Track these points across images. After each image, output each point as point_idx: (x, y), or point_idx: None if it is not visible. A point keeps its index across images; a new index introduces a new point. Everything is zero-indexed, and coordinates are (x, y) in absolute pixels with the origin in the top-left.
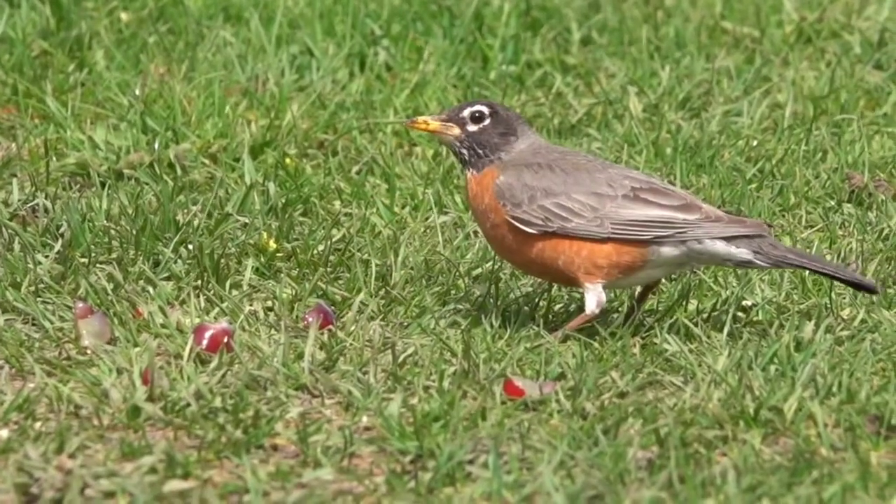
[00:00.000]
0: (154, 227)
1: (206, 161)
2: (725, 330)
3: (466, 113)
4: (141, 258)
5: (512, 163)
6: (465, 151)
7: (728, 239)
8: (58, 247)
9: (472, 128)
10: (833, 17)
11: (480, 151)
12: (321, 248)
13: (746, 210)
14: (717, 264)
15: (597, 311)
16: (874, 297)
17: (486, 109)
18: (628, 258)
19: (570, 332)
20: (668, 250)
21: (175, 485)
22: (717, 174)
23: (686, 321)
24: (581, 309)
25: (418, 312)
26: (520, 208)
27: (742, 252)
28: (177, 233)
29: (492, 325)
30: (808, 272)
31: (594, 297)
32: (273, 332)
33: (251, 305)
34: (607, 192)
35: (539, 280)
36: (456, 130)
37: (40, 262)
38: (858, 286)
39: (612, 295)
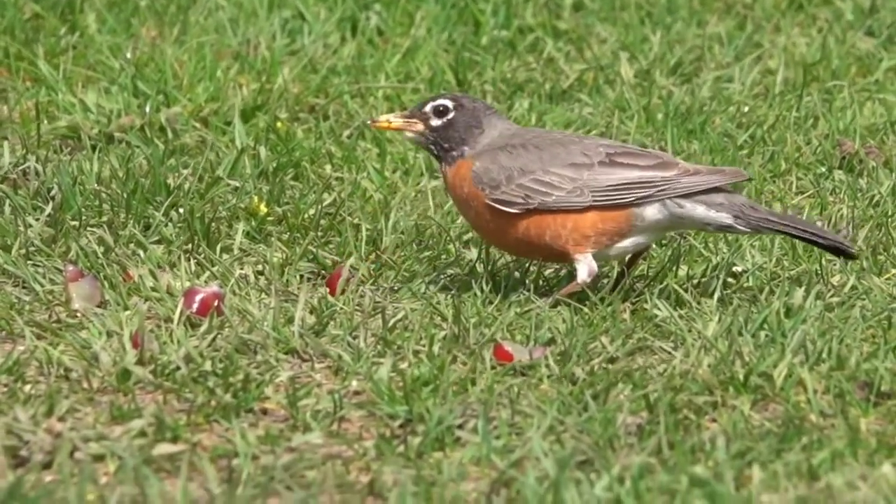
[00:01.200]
0: (145, 191)
1: (197, 125)
2: (715, 296)
3: (429, 108)
4: (132, 221)
5: (485, 150)
6: (432, 147)
7: (709, 204)
8: (48, 210)
9: (435, 122)
10: None
11: (446, 146)
12: (312, 212)
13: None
14: (698, 229)
15: (588, 280)
16: (853, 262)
17: (449, 103)
18: (613, 224)
19: (561, 299)
20: (651, 213)
21: (164, 448)
22: (708, 140)
23: (676, 287)
24: (573, 277)
25: (409, 277)
26: (498, 190)
27: (722, 216)
28: (168, 196)
29: (482, 290)
30: (789, 237)
31: (585, 266)
32: (263, 295)
33: (241, 269)
34: (583, 161)
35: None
36: (419, 126)
37: (31, 225)
38: (838, 251)
39: (603, 261)
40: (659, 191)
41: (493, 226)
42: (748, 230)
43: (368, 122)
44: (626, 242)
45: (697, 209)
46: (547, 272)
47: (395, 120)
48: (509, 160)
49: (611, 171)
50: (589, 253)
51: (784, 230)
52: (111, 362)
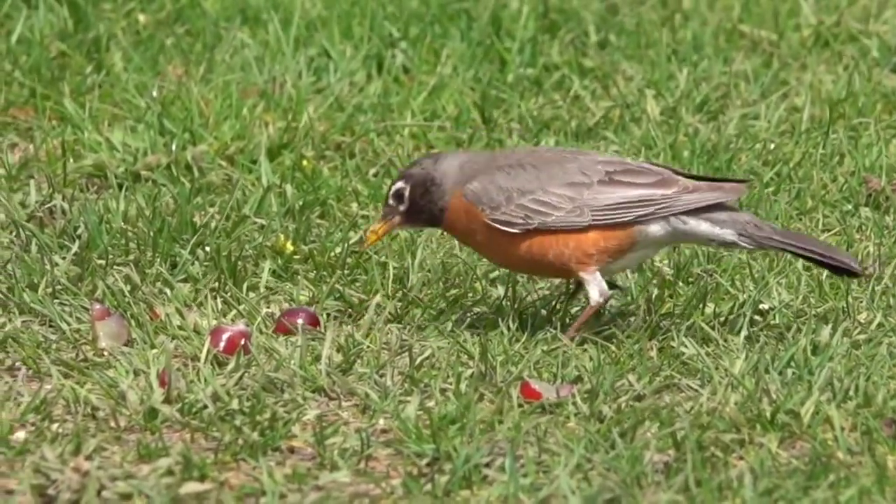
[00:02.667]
0: (171, 229)
1: (224, 163)
2: (742, 333)
3: (391, 199)
4: (158, 260)
5: (467, 174)
6: (421, 224)
7: (712, 221)
8: (75, 248)
9: (403, 207)
10: (850, 22)
11: (425, 216)
12: (338, 250)
13: (763, 214)
14: (702, 244)
15: (601, 300)
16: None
17: (400, 184)
18: (616, 242)
19: (583, 332)
20: (654, 229)
21: (191, 487)
22: (734, 177)
23: (703, 324)
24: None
25: (435, 315)
26: (498, 210)
27: (726, 233)
28: (194, 234)
29: (509, 328)
30: (792, 255)
31: (595, 287)
32: (290, 334)
33: (268, 307)
34: (582, 180)
35: (556, 281)
36: (396, 218)
37: (57, 264)
38: (843, 271)
39: (629, 298)
40: (659, 208)
41: (496, 246)
42: (752, 247)
43: (361, 247)
44: (630, 258)
45: (701, 226)
46: (574, 310)
47: (379, 226)
48: (507, 181)
49: (611, 189)
50: (596, 272)
51: (788, 249)
52: (138, 401)
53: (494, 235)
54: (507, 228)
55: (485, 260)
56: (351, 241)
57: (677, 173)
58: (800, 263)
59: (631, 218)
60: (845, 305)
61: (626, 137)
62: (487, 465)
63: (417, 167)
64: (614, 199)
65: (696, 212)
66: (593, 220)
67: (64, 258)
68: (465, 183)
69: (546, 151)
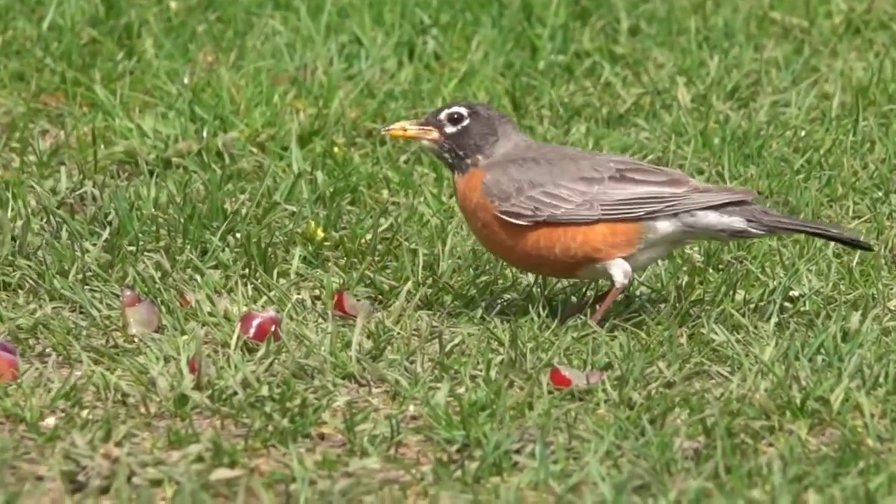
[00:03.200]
0: (202, 216)
1: (254, 149)
2: (772, 320)
3: (444, 115)
4: (188, 246)
5: (497, 162)
6: (446, 155)
7: (720, 209)
8: (105, 235)
9: (450, 129)
10: (882, 8)
11: (461, 153)
12: (369, 236)
13: (794, 201)
14: (711, 237)
15: (625, 281)
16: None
17: (464, 111)
18: (624, 237)
19: (608, 310)
20: (662, 225)
21: (221, 473)
22: (764, 164)
23: (733, 311)
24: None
25: (466, 302)
26: (508, 202)
27: (735, 221)
28: (224, 221)
29: (539, 315)
30: (802, 234)
31: (619, 269)
32: (320, 320)
33: (298, 294)
34: (593, 175)
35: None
36: (434, 134)
37: (88, 250)
38: (853, 244)
39: (660, 285)
40: (668, 206)
41: (501, 238)
42: (762, 232)
43: (383, 130)
44: (638, 258)
45: (709, 216)
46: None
47: (410, 128)
48: (519, 172)
49: (621, 185)
50: (618, 256)
51: (798, 229)
52: (168, 387)
53: (502, 228)
54: (515, 220)
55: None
56: (381, 229)
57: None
58: (830, 250)
59: (641, 213)
60: (875, 292)
61: (656, 124)
62: (517, 452)
63: (485, 108)
64: (625, 195)
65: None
66: (602, 214)
67: (94, 245)
68: (486, 169)
69: (570, 149)
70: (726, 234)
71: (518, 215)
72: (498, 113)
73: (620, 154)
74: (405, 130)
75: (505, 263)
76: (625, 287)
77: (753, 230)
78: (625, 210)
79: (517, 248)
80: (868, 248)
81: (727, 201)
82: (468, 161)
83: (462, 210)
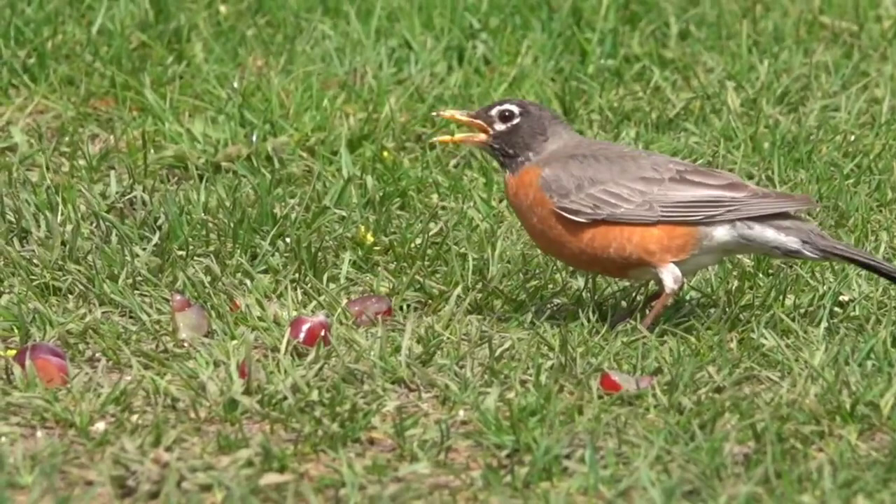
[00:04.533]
0: (251, 220)
1: (304, 154)
2: (822, 325)
3: (495, 111)
4: (238, 251)
5: (552, 158)
6: (496, 153)
7: (777, 228)
8: (155, 239)
9: (500, 127)
10: None
11: (511, 151)
12: (418, 241)
13: (844, 205)
14: (765, 252)
15: (676, 287)
16: None
17: (515, 108)
18: (680, 241)
19: (659, 315)
20: (719, 233)
21: (271, 478)
22: (814, 169)
23: (783, 316)
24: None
25: (515, 306)
26: (567, 198)
27: (791, 241)
28: (274, 226)
29: (589, 320)
30: (855, 265)
31: (670, 274)
32: (370, 325)
33: (348, 298)
34: (654, 175)
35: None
36: (481, 137)
37: (138, 255)
38: None
39: (710, 290)
40: (728, 210)
41: (556, 233)
42: (815, 256)
43: (433, 139)
44: (690, 262)
45: (767, 231)
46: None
47: (461, 116)
48: (580, 169)
49: (681, 187)
50: (671, 261)
51: (852, 257)
52: (218, 392)
53: (558, 223)
54: (573, 217)
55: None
56: (431, 233)
57: None
58: (880, 254)
59: (700, 217)
60: None
61: (706, 129)
62: (567, 457)
63: (537, 107)
64: (685, 197)
65: (761, 218)
66: (662, 215)
67: (144, 249)
68: (543, 164)
69: (623, 147)
70: (780, 251)
71: (577, 212)
72: (550, 112)
73: (677, 157)
74: (454, 117)
75: (555, 264)
76: (675, 293)
77: (807, 252)
78: (684, 212)
79: (571, 244)
80: None
81: (786, 210)
82: (519, 159)
83: (515, 207)
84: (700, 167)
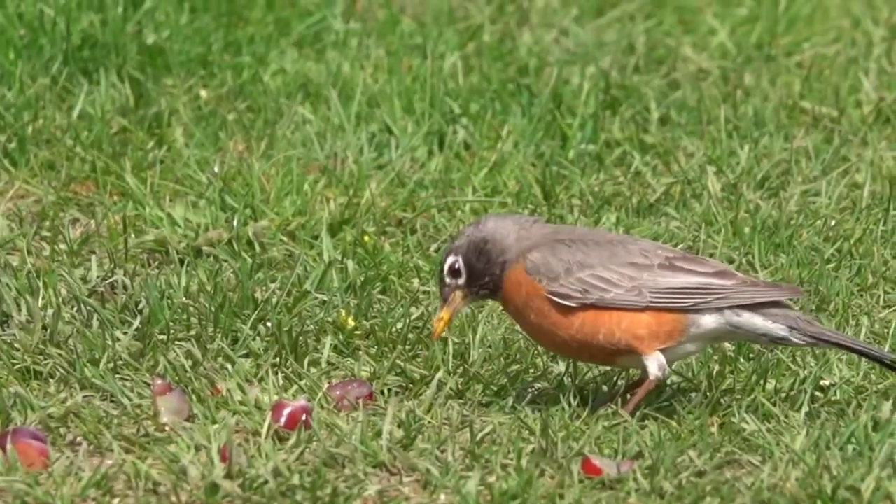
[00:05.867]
0: (233, 305)
1: (285, 238)
2: (803, 409)
3: (447, 278)
4: (219, 335)
5: (533, 246)
6: (483, 293)
7: (765, 315)
8: (136, 323)
9: (461, 280)
10: None
11: (484, 281)
12: (399, 325)
13: (825, 290)
14: (752, 340)
15: (660, 374)
16: None
17: (452, 259)
18: (668, 328)
19: (641, 402)
20: (707, 320)
21: None
22: (795, 254)
23: (764, 400)
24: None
25: (496, 391)
26: (556, 282)
27: (778, 328)
28: (255, 310)
29: (570, 404)
30: (841, 350)
31: (655, 361)
32: (351, 409)
33: (329, 383)
34: (643, 261)
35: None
36: (459, 294)
37: (119, 339)
38: (893, 367)
39: (691, 374)
40: (717, 298)
41: (549, 321)
42: (803, 342)
43: (433, 338)
44: (678, 350)
45: (755, 318)
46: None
47: (444, 313)
48: (568, 253)
49: (671, 274)
50: (658, 348)
51: (840, 343)
52: (199, 476)
53: (548, 309)
54: (563, 301)
55: None
56: (412, 318)
57: None
58: (861, 339)
59: (689, 304)
60: None
61: (686, 214)
62: None
63: (460, 238)
64: (675, 284)
65: (749, 306)
66: (651, 301)
67: (125, 333)
68: (526, 253)
69: (608, 232)
70: (767, 338)
71: (566, 296)
72: (472, 227)
73: (663, 243)
74: (442, 320)
75: (536, 349)
76: (659, 380)
77: (795, 339)
78: (673, 299)
79: (561, 331)
80: None
81: (774, 299)
82: (495, 276)
83: (510, 308)
84: (688, 254)
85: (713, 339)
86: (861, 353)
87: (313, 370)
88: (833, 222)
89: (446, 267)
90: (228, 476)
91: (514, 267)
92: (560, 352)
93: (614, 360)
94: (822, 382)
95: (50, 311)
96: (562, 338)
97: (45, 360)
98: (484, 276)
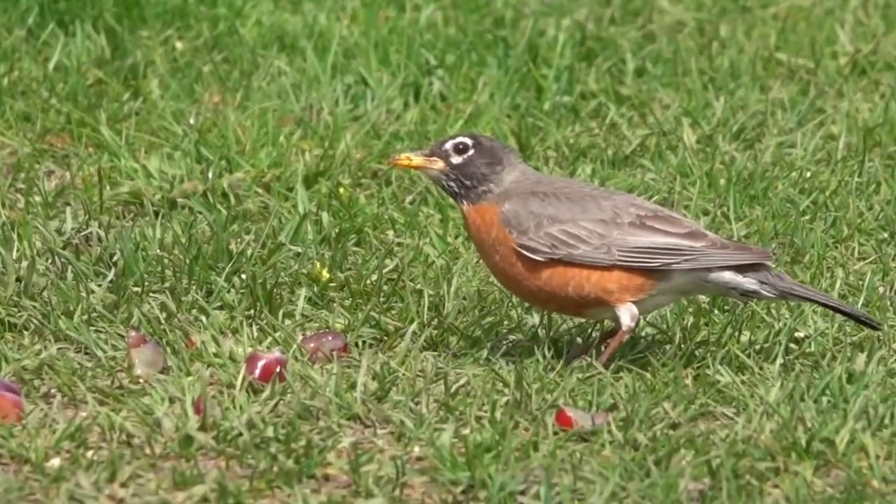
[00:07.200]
0: (207, 257)
1: (260, 190)
2: (778, 361)
3: (449, 145)
4: (194, 287)
5: (513, 192)
6: (452, 184)
7: (735, 268)
8: (111, 276)
9: (456, 160)
10: (887, 50)
11: (468, 183)
12: (374, 277)
13: (800, 242)
14: (723, 294)
15: (632, 324)
16: (878, 334)
17: (469, 141)
18: (638, 282)
19: (614, 353)
20: (676, 277)
21: None
22: (770, 206)
23: (739, 352)
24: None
25: (471, 343)
26: (526, 235)
27: (749, 282)
28: (230, 262)
29: (544, 356)
30: (812, 304)
31: (627, 311)
32: (325, 362)
33: (304, 335)
34: (613, 219)
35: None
36: (440, 164)
37: (93, 291)
38: (862, 322)
39: (665, 326)
40: (686, 260)
41: (516, 271)
42: (773, 296)
43: (388, 161)
44: (649, 302)
45: (725, 274)
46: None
47: (417, 158)
48: (540, 207)
49: (640, 233)
50: (629, 300)
51: (810, 298)
52: (173, 428)
53: (517, 261)
54: (531, 255)
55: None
56: (387, 270)
57: None
58: (835, 292)
59: (657, 264)
60: (881, 334)
61: (662, 165)
62: (522, 493)
63: (488, 139)
64: (643, 244)
65: None
66: (619, 259)
67: (100, 285)
68: (504, 200)
69: (585, 185)
70: (737, 292)
71: (535, 250)
72: (500, 143)
73: (630, 193)
74: (410, 160)
75: (511, 301)
76: (632, 330)
77: (765, 293)
78: (641, 258)
79: (529, 281)
80: (877, 328)
81: (744, 262)
82: (479, 190)
83: (477, 242)
84: (661, 212)
85: (684, 293)
86: (831, 308)
87: (288, 322)
88: (808, 174)
89: (457, 139)
90: (202, 428)
91: (492, 204)
92: (526, 300)
93: (583, 312)
94: (796, 335)
95: (24, 263)
96: (529, 287)
97: (20, 312)
98: (470, 179)
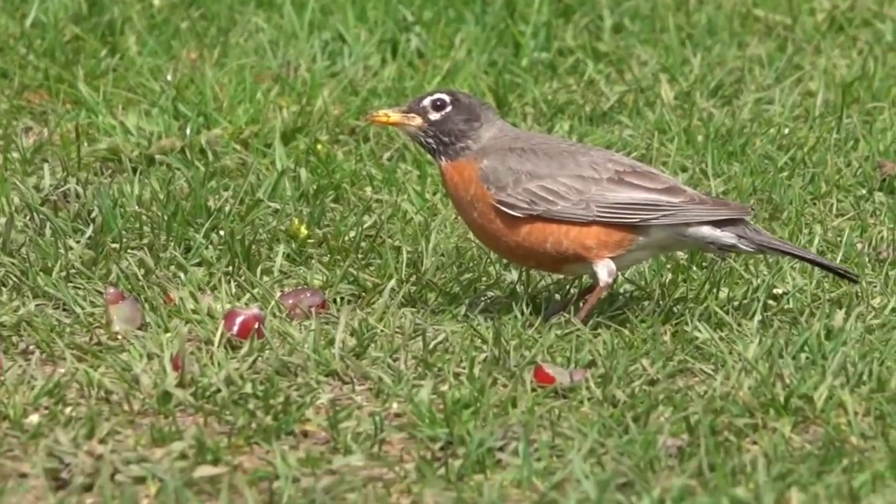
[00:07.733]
0: (185, 213)
1: (238, 147)
2: (756, 318)
3: (427, 102)
4: (172, 244)
5: (491, 148)
6: (430, 141)
7: (714, 223)
8: (89, 232)
9: (434, 116)
10: (865, 6)
11: (446, 139)
12: (352, 234)
13: (778, 198)
14: (701, 248)
15: (610, 280)
16: (856, 287)
17: (446, 97)
18: (616, 238)
19: (593, 309)
20: (654, 232)
21: (205, 470)
22: (748, 162)
23: (717, 309)
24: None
25: (449, 299)
26: (504, 192)
27: (726, 236)
28: (208, 218)
29: (522, 312)
30: (789, 257)
31: (604, 267)
32: (304, 318)
33: (282, 291)
34: (592, 175)
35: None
36: (418, 120)
37: (71, 248)
38: (839, 274)
39: (644, 282)
40: (664, 215)
41: (494, 227)
42: (751, 249)
43: (366, 117)
44: (628, 257)
45: (703, 228)
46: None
47: (394, 114)
48: (518, 163)
49: (618, 189)
50: (607, 256)
51: (788, 251)
52: (152, 384)
53: (495, 217)
54: (509, 211)
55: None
56: (365, 226)
57: None
58: (814, 247)
59: (636, 220)
60: (859, 290)
61: (640, 122)
62: (501, 450)
63: (465, 96)
64: (621, 199)
65: None
66: (597, 215)
67: (78, 242)
68: (482, 157)
69: (562, 141)
70: (715, 246)
71: (513, 206)
72: (478, 99)
73: (607, 149)
74: (388, 117)
75: (489, 257)
76: (609, 286)
77: (743, 246)
78: (620, 214)
79: (507, 237)
80: (854, 280)
81: (722, 217)
82: (457, 146)
83: (454, 199)
84: (640, 168)
85: (662, 249)
86: (809, 261)
87: (266, 279)
88: (786, 130)
89: (435, 96)
90: (181, 384)
91: (470, 161)
92: (505, 256)
93: (560, 268)
94: (775, 291)
95: (2, 220)
96: (507, 244)
97: None
98: (448, 135)
